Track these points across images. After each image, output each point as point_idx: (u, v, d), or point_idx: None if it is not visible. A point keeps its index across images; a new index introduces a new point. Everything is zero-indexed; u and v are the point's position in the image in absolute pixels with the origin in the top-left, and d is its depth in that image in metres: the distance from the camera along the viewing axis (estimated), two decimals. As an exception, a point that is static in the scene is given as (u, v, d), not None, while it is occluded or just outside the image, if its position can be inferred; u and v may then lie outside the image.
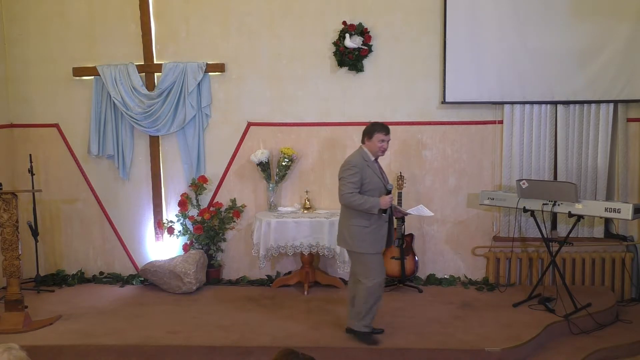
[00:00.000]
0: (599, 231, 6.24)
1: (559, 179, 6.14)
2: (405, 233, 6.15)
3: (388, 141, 4.80)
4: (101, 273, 6.72)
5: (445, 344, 4.81)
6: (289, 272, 6.45)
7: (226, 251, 6.60)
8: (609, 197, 6.12)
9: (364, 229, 4.69)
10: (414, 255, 6.21)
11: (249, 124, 6.46)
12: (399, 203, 6.07)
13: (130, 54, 6.44)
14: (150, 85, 6.47)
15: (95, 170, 6.67)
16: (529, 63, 6.00)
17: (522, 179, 5.73)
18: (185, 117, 6.38)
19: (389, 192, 4.74)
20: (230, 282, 6.53)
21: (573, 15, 5.91)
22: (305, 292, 6.06)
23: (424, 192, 6.37)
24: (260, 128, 6.45)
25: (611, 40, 5.89)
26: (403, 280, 6.14)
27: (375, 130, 4.76)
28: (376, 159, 4.83)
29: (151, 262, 6.37)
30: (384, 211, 4.70)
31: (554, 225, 6.23)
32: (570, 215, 5.47)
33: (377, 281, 4.74)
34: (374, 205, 4.60)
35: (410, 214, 5.02)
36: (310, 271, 6.18)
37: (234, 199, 6.51)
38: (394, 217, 4.95)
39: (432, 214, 5.27)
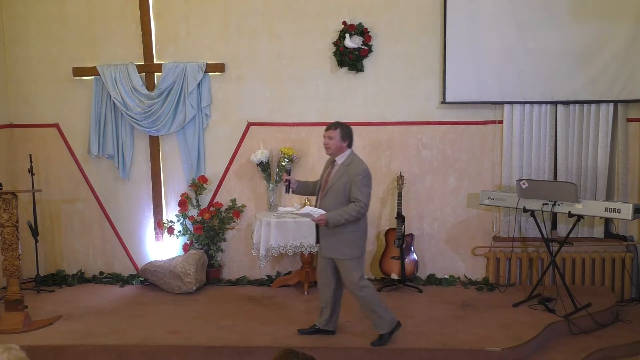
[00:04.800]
0: (599, 231, 6.24)
1: (559, 179, 6.14)
2: (406, 233, 6.15)
3: (327, 137, 4.74)
4: (101, 273, 6.72)
5: (445, 344, 4.81)
6: (289, 272, 6.45)
7: (226, 251, 6.60)
8: (609, 197, 6.12)
9: None
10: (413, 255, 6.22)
11: (249, 124, 6.46)
12: (399, 203, 6.08)
13: (130, 54, 6.44)
14: (150, 85, 6.46)
15: (95, 170, 6.67)
16: (529, 63, 6.00)
17: (522, 179, 5.73)
18: (185, 117, 6.38)
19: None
20: (230, 282, 6.53)
21: (573, 15, 5.90)
22: (305, 292, 6.05)
23: (423, 192, 6.37)
24: (260, 128, 6.45)
25: (611, 40, 5.89)
26: (403, 280, 6.14)
27: None
28: (334, 159, 4.82)
29: (151, 262, 6.37)
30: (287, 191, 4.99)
31: (554, 225, 6.23)
32: (570, 215, 5.47)
33: None
34: None
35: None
36: (310, 271, 6.17)
37: (234, 199, 6.51)
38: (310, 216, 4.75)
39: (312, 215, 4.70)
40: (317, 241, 4.89)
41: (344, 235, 4.67)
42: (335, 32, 6.21)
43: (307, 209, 4.72)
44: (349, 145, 4.77)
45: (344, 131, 4.74)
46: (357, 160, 4.76)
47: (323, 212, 4.61)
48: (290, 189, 4.95)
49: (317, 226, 4.81)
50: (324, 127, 4.64)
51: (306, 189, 5.03)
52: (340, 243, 4.69)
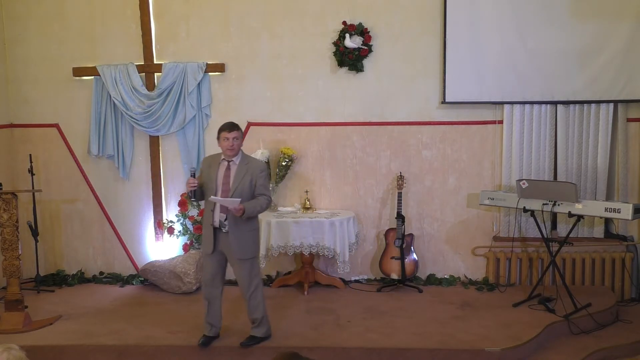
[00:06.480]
0: (599, 231, 6.24)
1: (559, 179, 6.14)
2: (406, 233, 6.15)
3: (234, 138, 4.62)
4: (101, 273, 6.72)
5: (445, 344, 4.81)
6: (289, 272, 6.45)
7: (226, 251, 6.60)
8: (609, 197, 6.12)
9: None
10: (413, 255, 6.22)
11: (249, 124, 6.46)
12: (399, 203, 6.08)
13: (130, 54, 6.44)
14: (150, 85, 6.46)
15: (95, 170, 6.67)
16: (529, 63, 6.00)
17: (522, 179, 5.73)
18: (185, 117, 6.38)
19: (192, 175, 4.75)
20: (230, 282, 6.50)
21: (573, 15, 5.90)
22: (305, 292, 6.06)
23: (423, 192, 6.37)
24: (260, 128, 6.45)
25: (611, 40, 5.89)
26: (403, 280, 6.14)
27: (219, 130, 4.70)
28: (227, 160, 4.71)
29: (151, 262, 6.37)
30: (194, 197, 4.75)
31: (554, 225, 6.23)
32: (570, 215, 5.47)
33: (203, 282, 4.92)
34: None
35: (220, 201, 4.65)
36: (310, 271, 6.18)
37: (234, 199, 6.51)
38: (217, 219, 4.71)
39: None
40: (215, 248, 4.72)
41: (250, 235, 4.72)
42: (335, 32, 6.21)
43: (219, 198, 4.59)
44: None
45: (241, 131, 4.79)
46: (252, 157, 4.88)
47: (238, 201, 4.52)
48: (196, 195, 4.76)
49: (215, 231, 4.69)
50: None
51: (202, 195, 4.83)
52: (248, 243, 4.72)
